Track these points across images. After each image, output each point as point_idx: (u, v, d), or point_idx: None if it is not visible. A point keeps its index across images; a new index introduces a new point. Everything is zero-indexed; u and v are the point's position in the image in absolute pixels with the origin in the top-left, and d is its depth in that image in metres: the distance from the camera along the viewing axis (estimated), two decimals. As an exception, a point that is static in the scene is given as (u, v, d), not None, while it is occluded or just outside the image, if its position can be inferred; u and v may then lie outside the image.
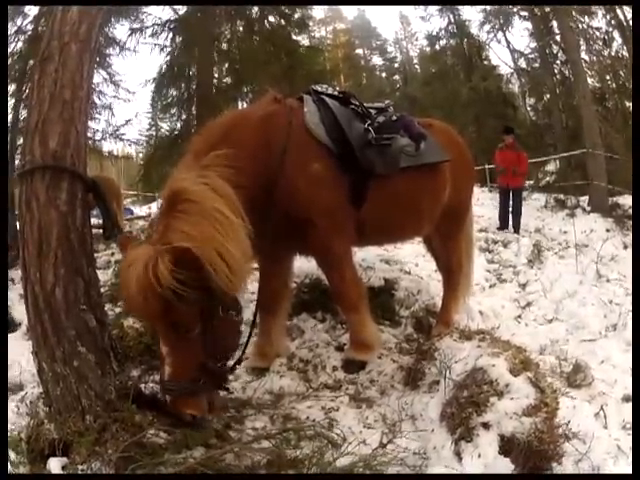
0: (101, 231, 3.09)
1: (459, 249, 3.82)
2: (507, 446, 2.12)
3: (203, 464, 2.05)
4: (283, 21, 8.57)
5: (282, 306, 3.24)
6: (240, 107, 9.27)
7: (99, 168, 8.47)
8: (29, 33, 8.07)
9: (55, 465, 2.26)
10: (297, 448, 2.25)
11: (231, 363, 2.51)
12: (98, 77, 8.95)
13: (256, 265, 3.16)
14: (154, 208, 8.70)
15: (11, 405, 2.99)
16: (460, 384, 2.39)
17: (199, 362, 2.28)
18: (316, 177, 2.85)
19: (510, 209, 8.45)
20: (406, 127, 3.23)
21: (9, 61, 7.97)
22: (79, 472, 2.18)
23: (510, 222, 8.31)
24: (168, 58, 8.84)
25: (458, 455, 2.16)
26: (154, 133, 9.56)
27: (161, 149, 8.74)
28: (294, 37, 8.45)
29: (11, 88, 8.10)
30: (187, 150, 2.79)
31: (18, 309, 4.59)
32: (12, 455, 2.37)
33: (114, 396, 2.44)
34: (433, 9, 19.74)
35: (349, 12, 22.68)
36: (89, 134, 8.30)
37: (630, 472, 2.00)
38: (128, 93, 9.07)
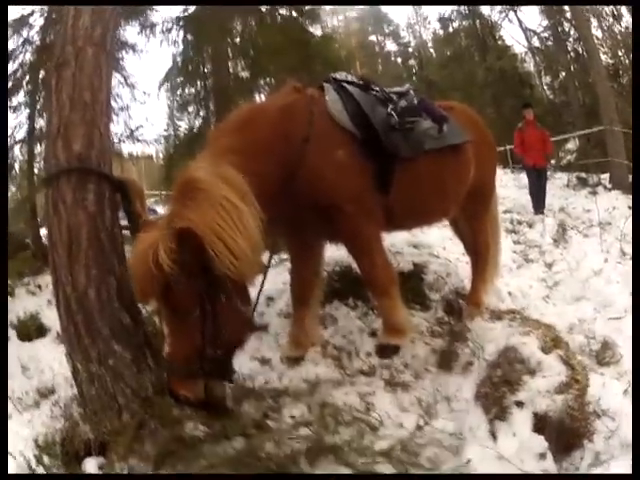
0: (128, 232, 3.12)
1: (485, 230, 3.82)
2: (540, 424, 2.12)
3: (245, 453, 2.07)
4: (295, 13, 8.52)
5: (314, 295, 3.25)
6: (258, 100, 9.27)
7: (120, 170, 8.55)
8: (37, 43, 8.09)
9: (92, 465, 2.29)
10: (335, 434, 2.26)
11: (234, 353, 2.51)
12: (113, 80, 8.92)
13: (286, 255, 3.17)
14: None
15: (44, 408, 3.09)
16: (493, 363, 2.40)
17: (196, 347, 2.30)
18: (341, 164, 2.85)
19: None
20: (428, 110, 3.23)
21: (19, 73, 8.02)
22: (117, 471, 2.20)
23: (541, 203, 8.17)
24: (181, 57, 8.87)
25: (493, 435, 2.16)
26: (172, 132, 9.58)
27: (181, 147, 8.74)
28: (307, 28, 8.39)
29: (25, 99, 8.14)
30: (206, 143, 2.81)
31: (47, 315, 4.76)
32: (46, 459, 2.39)
33: (151, 392, 2.45)
34: None
35: None
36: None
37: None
38: (144, 95, 9.13)
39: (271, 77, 8.47)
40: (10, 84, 7.95)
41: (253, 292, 2.64)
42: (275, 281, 3.84)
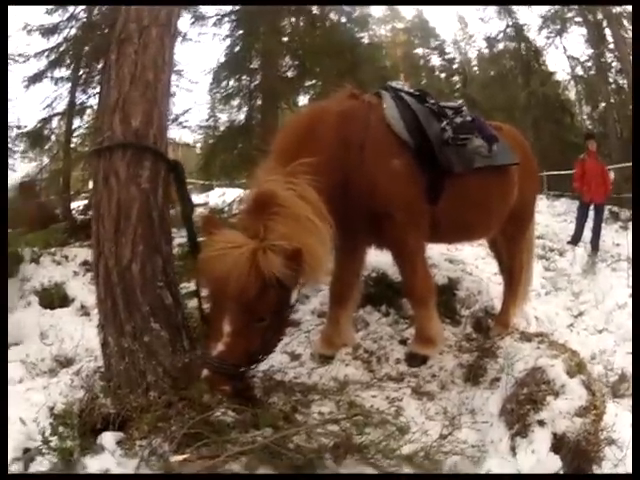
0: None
1: (521, 253, 3.83)
2: (558, 444, 2.15)
3: (275, 442, 2.07)
4: (344, 18, 8.56)
5: (352, 297, 3.29)
6: (304, 100, 9.35)
7: None
8: (83, 20, 8.21)
9: (109, 439, 2.25)
10: (364, 434, 2.28)
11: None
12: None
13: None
14: (212, 197, 8.80)
15: (65, 378, 3.04)
16: (521, 382, 2.43)
17: (250, 351, 2.38)
18: (396, 172, 2.90)
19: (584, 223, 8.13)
20: (480, 128, 3.26)
21: (63, 47, 8.20)
22: (137, 447, 2.19)
23: (580, 238, 8.03)
24: (229, 50, 8.94)
25: (513, 450, 2.19)
26: (212, 124, 9.63)
27: (223, 140, 8.81)
28: (355, 34, 8.42)
29: (66, 72, 8.34)
30: (270, 150, 2.85)
31: (72, 285, 4.85)
32: (61, 428, 2.34)
33: (183, 374, 2.46)
34: (492, 11, 19.43)
35: (407, 12, 22.56)
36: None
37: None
38: (190, 83, 9.23)
39: (317, 79, 8.51)
40: (53, 57, 8.11)
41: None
42: None
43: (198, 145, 10.41)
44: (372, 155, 2.83)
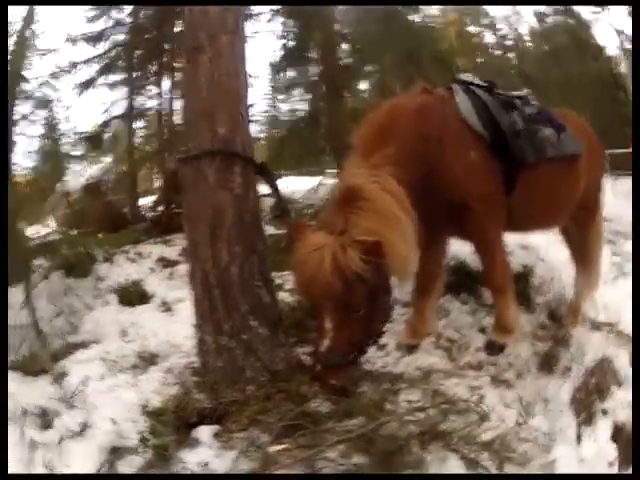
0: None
1: (591, 239, 3.82)
2: (617, 434, 2.17)
3: (370, 430, 2.19)
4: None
5: (436, 287, 3.39)
6: (365, 87, 9.49)
7: None
8: (129, 25, 8.37)
9: (205, 433, 2.38)
10: (448, 421, 2.38)
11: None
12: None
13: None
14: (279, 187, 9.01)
15: (155, 375, 3.14)
16: (590, 371, 2.48)
17: (355, 339, 2.51)
18: (473, 165, 2.97)
19: None
20: (548, 118, 3.29)
21: (113, 53, 8.42)
22: (235, 439, 2.32)
23: None
24: (285, 43, 9.02)
25: (579, 438, 2.25)
26: (274, 114, 9.77)
27: (292, 130, 8.98)
28: (408, 17, 8.34)
29: (120, 77, 8.58)
30: (353, 145, 2.95)
31: (149, 282, 5.03)
32: (157, 425, 2.47)
33: (281, 368, 2.61)
34: None
35: None
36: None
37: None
38: (250, 77, 9.32)
39: (375, 65, 8.53)
40: (103, 63, 8.37)
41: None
42: None
43: (261, 135, 10.49)
44: (450, 148, 2.92)
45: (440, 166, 2.88)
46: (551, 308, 3.85)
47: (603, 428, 2.18)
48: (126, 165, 8.25)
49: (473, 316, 3.62)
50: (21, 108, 6.81)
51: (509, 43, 20.41)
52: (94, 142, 8.29)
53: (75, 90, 8.17)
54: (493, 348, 3.19)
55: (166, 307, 4.49)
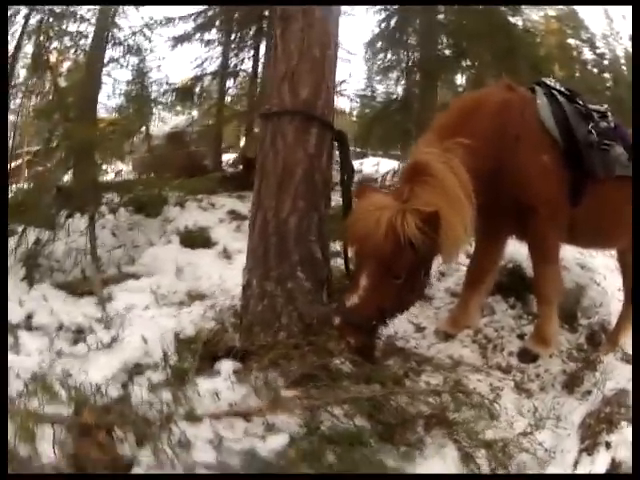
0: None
1: None
2: (613, 471, 2.10)
3: (380, 397, 2.27)
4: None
5: (486, 283, 3.41)
6: (460, 80, 9.43)
7: None
8: None
9: (227, 366, 2.51)
10: (458, 411, 2.42)
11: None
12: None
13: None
14: (365, 165, 9.03)
15: (198, 309, 3.37)
16: (606, 400, 2.44)
17: (383, 307, 2.61)
18: (545, 168, 2.98)
19: None
20: (622, 136, 3.24)
21: (211, 12, 8.43)
22: (252, 378, 2.42)
23: None
24: (385, 22, 9.00)
25: (576, 463, 2.20)
26: (369, 94, 9.80)
27: (383, 111, 9.02)
28: (509, 18, 8.15)
29: (218, 36, 8.73)
30: (431, 126, 3.06)
31: (216, 230, 5.21)
32: (184, 351, 2.65)
33: (316, 321, 2.72)
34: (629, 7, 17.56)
35: None
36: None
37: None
38: (348, 54, 9.38)
39: (473, 60, 8.41)
40: (200, 20, 8.49)
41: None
42: None
43: (354, 113, 10.56)
44: (525, 147, 2.95)
45: (512, 163, 2.91)
46: (593, 332, 3.78)
47: (601, 462, 2.14)
48: (213, 119, 8.44)
49: (516, 321, 3.62)
50: (111, 52, 7.07)
51: (606, 63, 19.41)
52: (183, 94, 8.46)
53: (169, 43, 8.36)
54: (526, 356, 3.19)
55: (226, 255, 4.70)
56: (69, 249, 4.80)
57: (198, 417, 2.04)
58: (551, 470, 2.24)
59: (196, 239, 5.06)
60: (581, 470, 2.16)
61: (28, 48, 6.93)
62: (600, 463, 2.13)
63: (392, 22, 8.90)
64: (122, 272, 4.58)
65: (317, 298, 2.86)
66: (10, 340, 3.02)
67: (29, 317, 3.50)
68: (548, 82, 3.23)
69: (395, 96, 9.28)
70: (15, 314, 3.39)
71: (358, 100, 9.77)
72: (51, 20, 6.76)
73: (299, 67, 2.98)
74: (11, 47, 6.55)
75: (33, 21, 6.66)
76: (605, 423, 2.27)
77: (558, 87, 3.21)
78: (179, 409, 2.07)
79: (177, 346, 2.72)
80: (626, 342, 3.60)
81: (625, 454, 2.09)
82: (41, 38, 6.72)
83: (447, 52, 8.62)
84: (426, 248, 2.54)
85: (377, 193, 2.81)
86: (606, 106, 3.42)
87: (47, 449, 1.76)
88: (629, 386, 2.40)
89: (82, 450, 1.76)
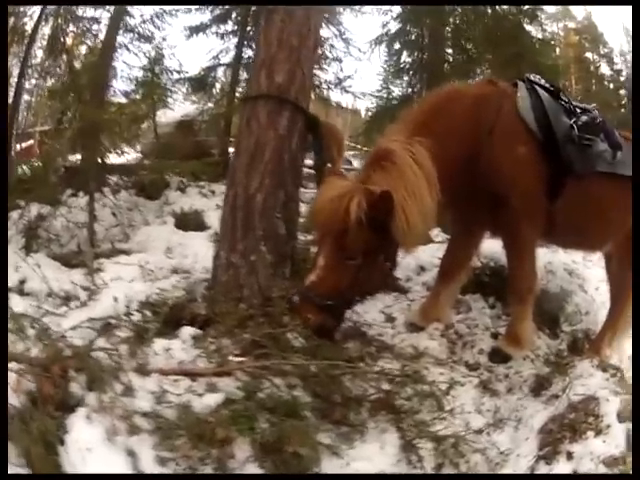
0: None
1: (630, 281, 3.52)
2: None
3: (321, 369, 2.29)
4: (514, 9, 8.28)
5: (458, 277, 3.38)
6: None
7: (325, 115, 9.03)
8: None
9: (186, 331, 2.61)
10: (408, 400, 2.40)
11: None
12: (329, 32, 9.50)
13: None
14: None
15: (172, 280, 3.48)
16: (572, 405, 2.34)
17: (339, 287, 2.63)
18: (520, 159, 2.96)
19: None
20: (606, 133, 3.20)
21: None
22: (207, 343, 2.51)
23: None
24: (399, 23, 9.05)
25: (531, 471, 2.11)
26: (385, 95, 9.87)
27: (386, 111, 9.07)
28: (525, 26, 8.13)
29: (234, 27, 9.02)
30: (401, 116, 3.10)
31: (211, 215, 5.38)
32: (149, 313, 2.75)
33: (275, 295, 2.79)
34: None
35: (578, 12, 21.11)
36: (316, 83, 8.90)
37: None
38: (359, 52, 9.51)
39: (484, 67, 8.42)
40: (217, 12, 8.79)
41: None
42: (433, 255, 4.02)
43: (369, 113, 10.68)
44: (500, 140, 2.93)
45: (486, 155, 2.90)
46: (576, 339, 3.68)
47: (560, 471, 2.03)
48: (223, 110, 8.55)
49: (493, 321, 3.55)
50: (122, 38, 7.38)
51: (622, 79, 19.26)
52: (196, 84, 8.68)
53: (184, 33, 8.72)
54: (497, 356, 3.13)
55: (216, 238, 4.73)
56: (68, 224, 5.08)
57: (147, 371, 2.15)
58: (504, 472, 2.18)
59: (190, 222, 5.30)
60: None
61: (46, 30, 7.15)
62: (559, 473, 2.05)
63: (397, 23, 8.97)
64: (115, 248, 4.81)
65: (279, 272, 2.96)
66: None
67: (22, 282, 3.68)
68: (532, 77, 3.21)
69: (403, 99, 9.33)
70: (9, 278, 3.47)
71: (372, 99, 9.87)
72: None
73: (277, 55, 3.16)
74: (29, 28, 6.77)
75: (50, 7, 6.87)
76: (568, 430, 2.17)
77: (542, 83, 3.20)
78: (132, 362, 2.19)
79: (142, 308, 2.82)
80: (608, 354, 3.50)
81: (589, 467, 2.00)
82: (59, 21, 6.89)
83: (456, 55, 8.64)
84: (381, 231, 2.57)
85: (339, 178, 2.84)
86: (594, 105, 3.39)
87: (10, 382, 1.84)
88: (600, 394, 2.34)
89: (39, 385, 1.85)
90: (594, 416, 2.21)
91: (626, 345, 3.71)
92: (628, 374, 3.05)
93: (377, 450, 2.16)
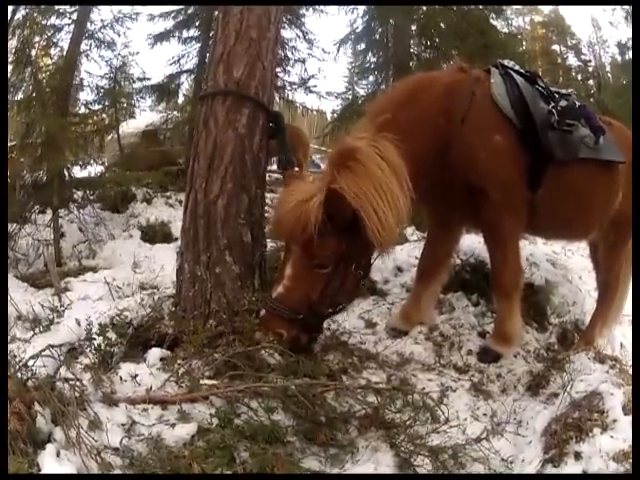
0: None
1: (620, 264, 3.51)
2: None
3: (301, 391, 2.09)
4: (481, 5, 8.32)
5: (439, 275, 3.26)
6: None
7: (290, 119, 8.92)
8: None
9: (155, 354, 2.45)
10: (399, 412, 2.24)
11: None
12: (291, 33, 9.43)
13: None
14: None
15: (137, 297, 3.27)
16: (575, 403, 2.23)
17: (310, 298, 2.48)
18: (496, 149, 2.82)
19: None
20: (587, 117, 3.09)
21: (191, 9, 8.62)
22: (176, 365, 2.34)
23: None
24: (363, 24, 9.02)
25: None
26: (350, 96, 9.85)
27: (351, 111, 8.99)
28: (491, 21, 8.16)
29: (195, 33, 8.76)
30: (368, 109, 2.95)
31: (177, 225, 5.09)
32: (113, 335, 2.57)
33: (245, 309, 2.59)
34: (620, 15, 17.72)
35: (544, 6, 21.65)
36: (280, 85, 8.81)
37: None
38: (323, 52, 9.48)
39: (451, 62, 8.41)
40: (180, 18, 8.69)
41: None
42: (410, 255, 3.92)
43: (334, 115, 10.68)
44: (473, 128, 2.78)
45: (459, 145, 2.76)
46: (565, 331, 3.59)
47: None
48: (187, 117, 8.39)
49: (478, 318, 3.43)
50: (84, 46, 7.10)
51: (591, 70, 19.66)
52: (159, 91, 8.50)
53: (149, 40, 8.54)
54: (486, 355, 3.00)
55: (179, 250, 4.69)
56: (35, 242, 4.98)
57: (114, 401, 2.01)
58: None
59: (157, 234, 5.19)
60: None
61: (12, 42, 6.93)
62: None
63: (371, 22, 8.92)
64: (82, 265, 4.75)
65: (248, 284, 2.75)
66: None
67: (-10, 307, 3.49)
68: (505, 63, 3.07)
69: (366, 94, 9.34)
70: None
71: (337, 100, 9.83)
72: (35, 15, 6.77)
73: (235, 48, 2.93)
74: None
75: (18, 15, 6.67)
76: (574, 430, 2.05)
77: (516, 68, 3.07)
78: (97, 391, 2.05)
79: (105, 330, 2.61)
80: (601, 343, 3.46)
81: (599, 466, 1.90)
82: (25, 32, 6.69)
83: (424, 55, 8.63)
84: (352, 234, 2.44)
85: (302, 182, 2.71)
86: (571, 90, 3.28)
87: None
88: (602, 388, 2.22)
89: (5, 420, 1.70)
90: (599, 412, 2.11)
91: (617, 332, 3.71)
92: (628, 363, 2.99)
93: (371, 471, 1.99)
